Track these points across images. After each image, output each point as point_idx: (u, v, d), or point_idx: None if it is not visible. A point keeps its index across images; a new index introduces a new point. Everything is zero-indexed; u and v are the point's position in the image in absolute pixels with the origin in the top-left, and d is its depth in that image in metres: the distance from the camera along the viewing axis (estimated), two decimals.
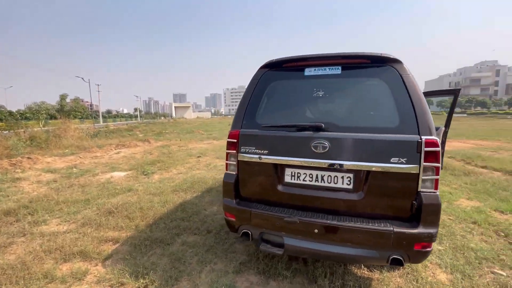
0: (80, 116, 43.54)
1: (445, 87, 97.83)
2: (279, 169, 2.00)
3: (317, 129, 1.87)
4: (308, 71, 2.02)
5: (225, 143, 2.19)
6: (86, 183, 5.09)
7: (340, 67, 1.94)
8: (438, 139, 1.66)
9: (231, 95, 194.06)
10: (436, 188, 1.68)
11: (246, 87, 2.22)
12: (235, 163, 2.12)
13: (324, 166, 1.85)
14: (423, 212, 1.67)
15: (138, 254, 2.52)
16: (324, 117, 1.97)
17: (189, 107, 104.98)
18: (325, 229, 1.80)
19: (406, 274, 2.21)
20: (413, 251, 1.68)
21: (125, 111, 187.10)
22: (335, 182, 1.87)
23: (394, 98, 1.78)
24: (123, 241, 2.79)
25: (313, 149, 1.85)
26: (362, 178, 1.80)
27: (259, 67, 2.18)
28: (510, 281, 2.10)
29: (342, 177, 1.85)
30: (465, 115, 55.21)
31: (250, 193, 2.12)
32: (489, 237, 2.84)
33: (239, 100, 2.21)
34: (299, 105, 2.07)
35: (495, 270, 2.26)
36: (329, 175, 1.88)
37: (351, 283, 2.08)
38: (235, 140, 2.10)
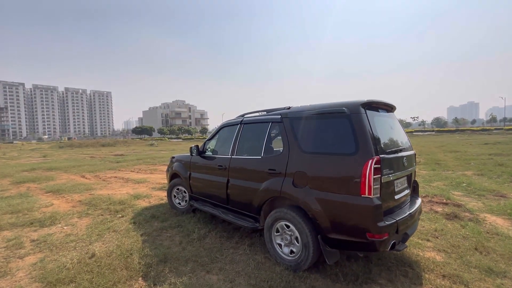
0: None
1: (159, 116, 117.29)
2: (394, 182, 2.59)
3: (400, 150, 2.78)
4: (381, 111, 2.85)
5: None
6: None
7: (386, 111, 3.01)
8: None
9: None
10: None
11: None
12: (378, 186, 2.31)
13: (406, 174, 2.81)
14: (418, 189, 3.26)
15: None
16: (396, 142, 2.88)
17: None
18: (412, 217, 2.74)
19: None
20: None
21: None
22: (404, 184, 2.89)
23: (403, 129, 3.22)
24: None
25: (404, 164, 2.74)
26: (408, 178, 3.00)
27: (358, 104, 2.55)
28: None
29: (405, 180, 2.92)
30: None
31: (384, 208, 2.41)
32: None
33: None
34: (384, 134, 2.76)
35: None
36: (403, 180, 2.86)
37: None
38: (379, 166, 2.31)
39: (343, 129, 2.52)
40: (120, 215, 4.71)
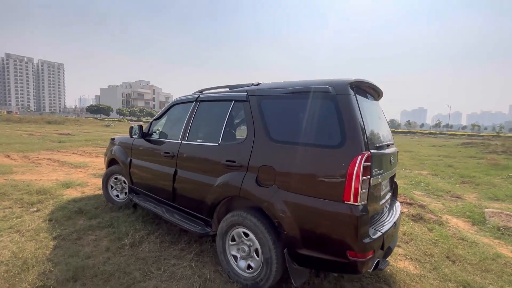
0: None
1: (119, 96, 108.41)
2: (381, 185, 2.09)
3: (388, 145, 2.30)
4: (369, 96, 2.31)
5: None
6: None
7: (373, 97, 2.49)
8: None
9: None
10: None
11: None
12: (367, 190, 1.77)
13: (391, 175, 2.35)
14: (397, 192, 2.87)
15: None
16: (385, 135, 2.37)
17: None
18: (396, 226, 2.30)
19: None
20: None
21: None
22: (387, 186, 2.43)
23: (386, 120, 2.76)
24: None
25: (391, 163, 2.26)
26: (391, 179, 2.57)
27: (346, 82, 1.96)
28: None
29: (388, 182, 2.46)
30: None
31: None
32: None
33: None
34: (373, 125, 2.23)
35: None
36: (387, 182, 2.39)
37: None
38: (369, 164, 1.76)
39: (327, 114, 1.93)
40: (35, 209, 3.67)
